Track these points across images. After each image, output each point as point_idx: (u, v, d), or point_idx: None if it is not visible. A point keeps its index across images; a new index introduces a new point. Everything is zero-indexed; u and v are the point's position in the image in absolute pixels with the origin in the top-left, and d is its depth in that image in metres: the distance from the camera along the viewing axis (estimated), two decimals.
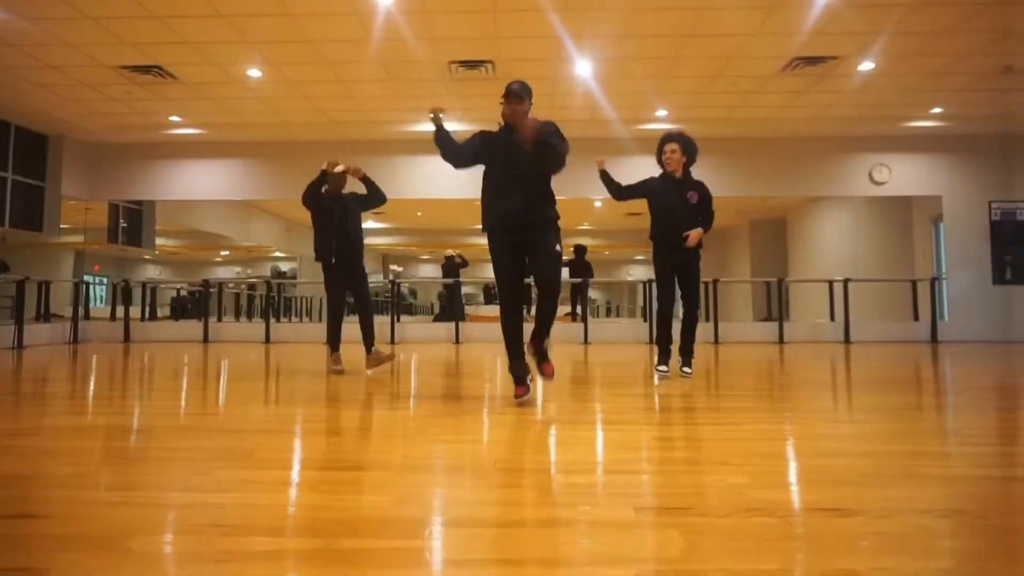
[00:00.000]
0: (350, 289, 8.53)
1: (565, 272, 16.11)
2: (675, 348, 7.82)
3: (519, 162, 5.86)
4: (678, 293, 7.79)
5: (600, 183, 7.83)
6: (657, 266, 7.74)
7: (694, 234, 7.39)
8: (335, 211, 8.27)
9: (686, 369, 7.65)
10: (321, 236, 8.31)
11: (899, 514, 2.70)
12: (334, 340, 8.36)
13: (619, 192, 7.76)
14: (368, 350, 8.27)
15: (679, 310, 7.89)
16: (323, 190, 8.33)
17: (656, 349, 7.98)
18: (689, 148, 7.56)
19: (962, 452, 3.89)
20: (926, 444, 4.09)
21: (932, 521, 2.63)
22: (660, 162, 7.67)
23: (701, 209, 7.56)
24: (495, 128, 6.13)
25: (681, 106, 13.78)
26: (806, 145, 15.44)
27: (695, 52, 10.99)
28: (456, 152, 6.10)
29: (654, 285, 8.12)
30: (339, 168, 8.35)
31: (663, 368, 7.68)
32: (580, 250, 17.83)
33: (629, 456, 3.76)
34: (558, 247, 5.78)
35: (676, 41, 10.58)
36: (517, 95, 5.94)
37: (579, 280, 16.83)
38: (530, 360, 5.83)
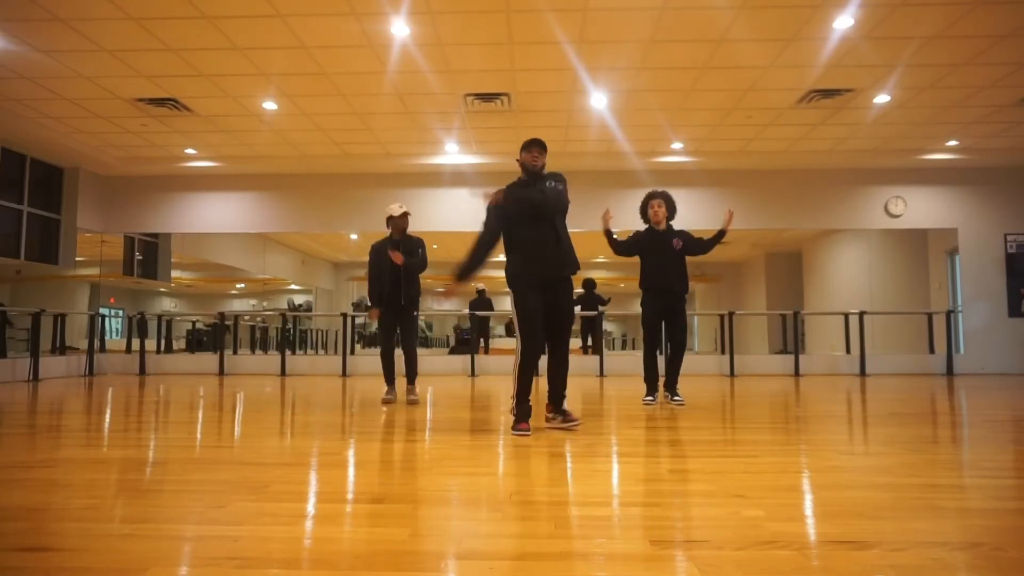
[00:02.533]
0: (400, 330, 9.01)
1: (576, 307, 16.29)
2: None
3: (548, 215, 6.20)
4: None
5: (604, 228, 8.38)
6: (645, 312, 8.42)
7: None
8: (388, 260, 8.76)
9: (677, 398, 8.24)
10: (374, 283, 8.91)
11: (915, 546, 2.69)
12: (387, 376, 8.92)
13: (618, 249, 8.45)
14: (409, 382, 8.89)
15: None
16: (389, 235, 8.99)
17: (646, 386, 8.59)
18: (671, 204, 8.44)
19: (978, 485, 3.86)
20: (942, 477, 4.07)
21: (948, 554, 2.62)
22: (645, 217, 8.55)
23: (691, 248, 8.37)
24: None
25: (697, 138, 13.80)
26: (822, 177, 15.44)
27: (711, 85, 11.02)
28: (491, 236, 6.38)
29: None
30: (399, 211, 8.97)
31: (649, 398, 8.39)
32: (589, 284, 17.85)
33: (645, 489, 3.75)
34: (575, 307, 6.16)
35: (692, 73, 10.62)
36: (539, 144, 6.29)
37: (592, 313, 16.86)
38: (552, 424, 6.28)
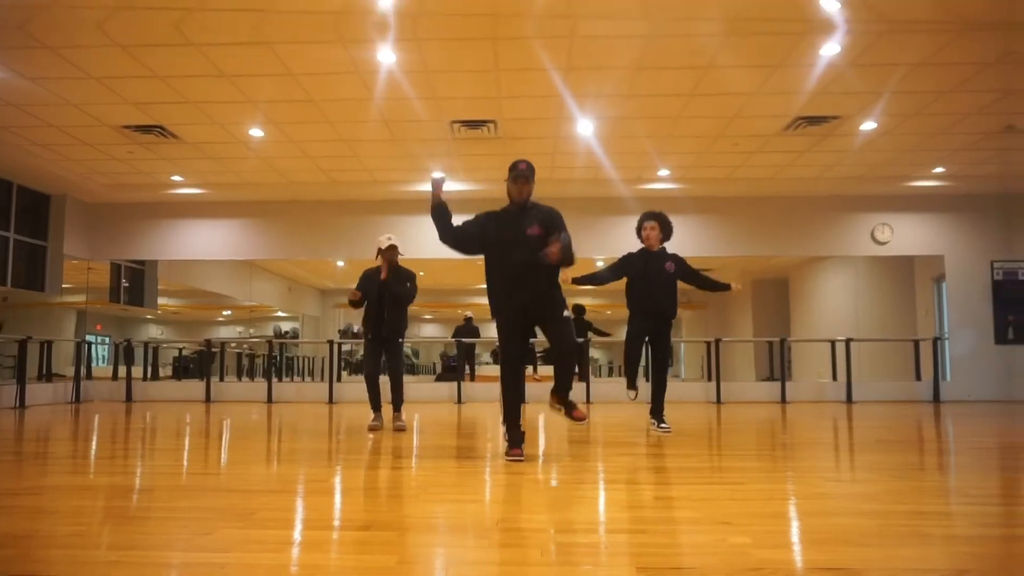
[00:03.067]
0: (386, 357, 9.04)
1: None
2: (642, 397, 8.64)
3: (531, 248, 6.03)
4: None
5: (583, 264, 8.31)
6: (631, 330, 8.40)
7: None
8: (379, 290, 8.78)
9: (663, 426, 8.07)
10: (369, 311, 8.90)
11: (902, 573, 2.70)
12: (372, 402, 8.87)
13: (603, 280, 8.32)
14: (395, 408, 8.79)
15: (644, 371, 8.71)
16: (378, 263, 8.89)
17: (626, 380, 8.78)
18: (666, 227, 8.41)
19: (965, 512, 3.88)
20: (929, 504, 4.08)
21: None
22: (640, 238, 8.41)
23: (682, 275, 8.33)
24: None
25: (683, 166, 13.85)
26: (808, 204, 15.49)
27: (698, 112, 11.07)
28: (455, 231, 6.34)
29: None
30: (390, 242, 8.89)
31: (632, 392, 8.60)
32: (579, 310, 17.89)
33: (631, 516, 3.76)
34: (566, 312, 6.02)
35: (679, 101, 10.66)
36: (524, 176, 6.11)
37: (579, 339, 16.91)
38: (557, 411, 6.16)
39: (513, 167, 6.11)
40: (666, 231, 8.38)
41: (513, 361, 6.16)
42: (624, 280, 8.37)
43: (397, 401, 8.82)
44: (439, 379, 19.25)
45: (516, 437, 5.98)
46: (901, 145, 12.61)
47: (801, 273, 20.84)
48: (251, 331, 26.82)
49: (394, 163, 13.59)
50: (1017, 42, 8.80)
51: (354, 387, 15.07)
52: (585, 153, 12.93)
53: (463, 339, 16.18)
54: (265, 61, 9.26)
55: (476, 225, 6.23)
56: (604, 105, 10.80)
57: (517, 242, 6.01)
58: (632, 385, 8.58)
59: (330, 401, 14.55)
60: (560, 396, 6.17)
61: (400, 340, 9.03)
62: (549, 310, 6.05)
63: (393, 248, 8.79)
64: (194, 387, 15.60)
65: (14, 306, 15.81)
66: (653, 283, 8.19)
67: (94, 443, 7.30)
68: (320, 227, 15.81)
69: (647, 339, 8.43)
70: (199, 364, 19.25)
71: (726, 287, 8.45)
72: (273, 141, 12.29)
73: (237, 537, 3.27)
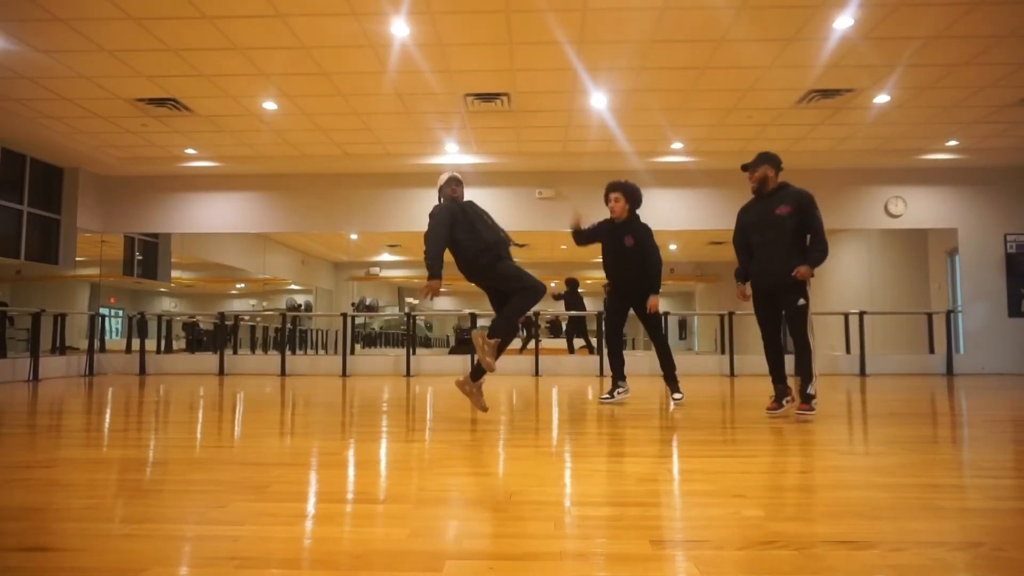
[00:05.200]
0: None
1: (560, 305, 16.34)
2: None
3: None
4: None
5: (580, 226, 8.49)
6: (606, 306, 8.57)
7: (651, 303, 8.09)
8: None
9: (676, 396, 8.15)
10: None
11: (915, 546, 2.69)
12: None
13: (577, 239, 8.50)
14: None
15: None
16: None
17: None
18: (632, 196, 8.23)
19: (978, 485, 3.86)
20: (942, 477, 4.06)
21: (948, 554, 2.62)
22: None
23: (639, 249, 8.08)
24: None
25: (696, 139, 13.81)
26: (822, 177, 15.41)
27: (711, 85, 11.03)
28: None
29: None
30: None
31: (606, 396, 8.36)
32: (572, 283, 17.89)
33: (644, 489, 3.75)
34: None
35: (692, 74, 10.62)
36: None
37: (580, 313, 16.99)
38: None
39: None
40: (632, 200, 8.25)
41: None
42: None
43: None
44: (452, 352, 19.25)
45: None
46: (914, 118, 12.54)
47: None
48: (264, 304, 26.87)
49: (408, 136, 13.56)
50: None
51: (368, 360, 15.14)
52: (598, 126, 12.89)
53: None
54: (278, 34, 9.24)
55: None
56: (617, 78, 10.75)
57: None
58: (616, 383, 8.39)
59: (344, 374, 14.57)
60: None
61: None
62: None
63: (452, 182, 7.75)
64: (208, 360, 15.66)
65: (28, 279, 15.86)
66: (615, 255, 8.21)
67: (107, 416, 7.32)
68: (333, 200, 15.80)
69: (623, 317, 8.39)
70: (213, 337, 19.30)
71: (653, 290, 8.12)
72: (286, 114, 12.28)
73: (251, 510, 3.28)
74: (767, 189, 7.21)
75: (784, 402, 7.21)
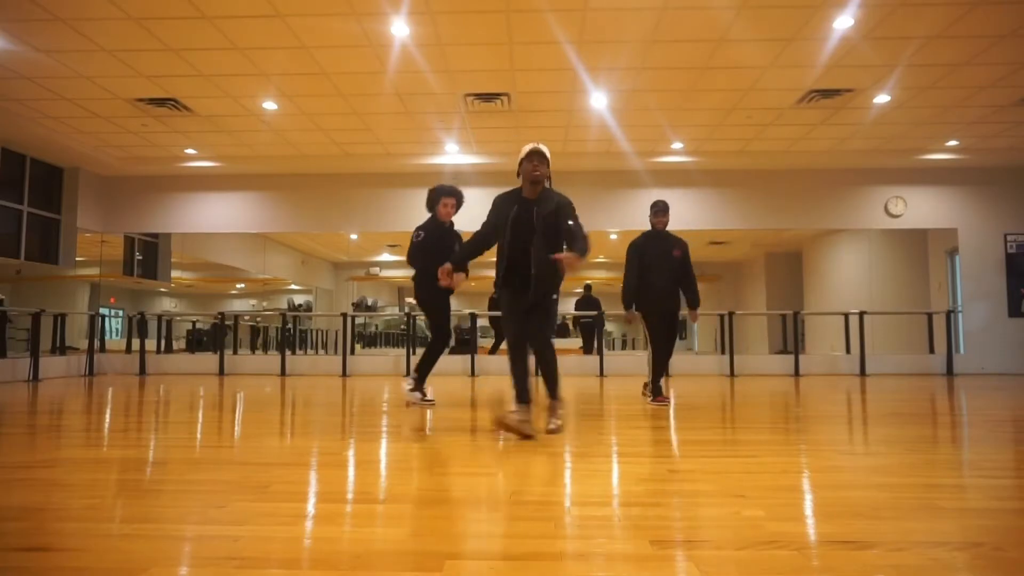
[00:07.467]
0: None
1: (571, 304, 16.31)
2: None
3: (533, 227, 6.04)
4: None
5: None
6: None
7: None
8: None
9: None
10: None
11: (915, 546, 2.69)
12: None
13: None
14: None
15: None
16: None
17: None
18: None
19: (978, 485, 3.86)
20: (942, 476, 4.07)
21: (948, 554, 2.62)
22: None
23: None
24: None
25: (697, 139, 13.81)
26: (822, 177, 15.44)
27: (711, 85, 11.03)
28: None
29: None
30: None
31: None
32: (587, 287, 17.99)
33: (645, 489, 3.75)
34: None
35: (692, 74, 10.62)
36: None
37: (592, 313, 16.99)
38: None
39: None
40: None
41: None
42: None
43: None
44: (452, 352, 19.25)
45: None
46: (915, 118, 12.55)
47: (814, 246, 20.75)
48: (264, 304, 26.84)
49: (407, 136, 13.57)
50: None
51: (368, 360, 15.14)
52: (598, 126, 12.90)
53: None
54: (278, 34, 9.25)
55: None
56: (617, 78, 10.76)
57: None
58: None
59: (344, 374, 14.58)
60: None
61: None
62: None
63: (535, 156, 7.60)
64: (208, 360, 15.66)
65: (28, 279, 15.86)
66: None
67: (107, 416, 7.32)
68: (334, 200, 15.81)
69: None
70: (212, 337, 19.29)
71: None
72: (286, 114, 12.28)
73: (251, 510, 3.28)
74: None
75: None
